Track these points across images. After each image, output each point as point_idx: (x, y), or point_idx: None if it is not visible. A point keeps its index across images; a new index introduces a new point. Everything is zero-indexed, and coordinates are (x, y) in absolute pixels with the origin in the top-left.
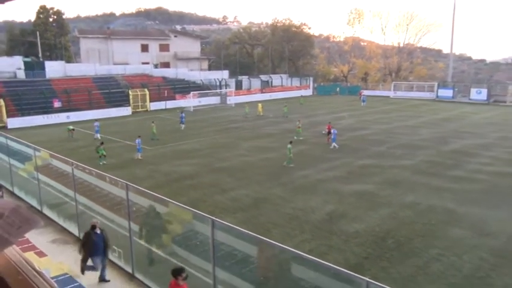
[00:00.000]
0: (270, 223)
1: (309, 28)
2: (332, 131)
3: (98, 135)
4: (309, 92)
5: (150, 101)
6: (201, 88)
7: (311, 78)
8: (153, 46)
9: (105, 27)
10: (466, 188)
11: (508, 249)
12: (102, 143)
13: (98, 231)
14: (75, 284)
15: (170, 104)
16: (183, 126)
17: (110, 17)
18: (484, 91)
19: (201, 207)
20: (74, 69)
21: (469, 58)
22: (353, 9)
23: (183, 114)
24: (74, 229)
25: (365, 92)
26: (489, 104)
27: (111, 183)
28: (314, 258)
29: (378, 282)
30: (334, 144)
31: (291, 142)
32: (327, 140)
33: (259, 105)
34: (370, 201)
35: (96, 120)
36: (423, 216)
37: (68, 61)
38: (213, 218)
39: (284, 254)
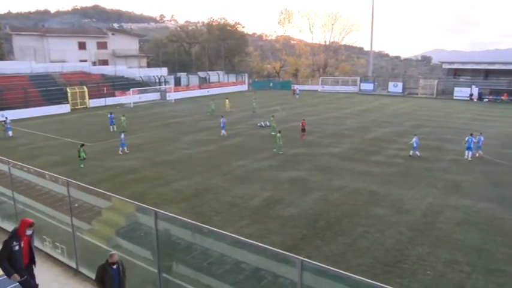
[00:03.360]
0: (212, 211)
1: (243, 27)
2: (221, 120)
3: (10, 133)
4: (244, 87)
5: (90, 98)
6: (141, 85)
7: (246, 75)
8: (91, 44)
9: (39, 24)
10: (385, 171)
11: (421, 224)
12: (82, 145)
13: (115, 267)
14: (15, 284)
15: (110, 101)
16: (111, 128)
17: (44, 15)
18: (400, 85)
19: (145, 199)
20: (7, 67)
21: (387, 55)
22: (283, 10)
23: (112, 115)
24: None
25: (297, 87)
26: (404, 96)
27: (52, 180)
28: (253, 241)
29: (311, 260)
30: (223, 131)
31: (279, 132)
32: (300, 137)
33: (227, 101)
34: (303, 187)
35: (6, 118)
36: (350, 198)
37: (0, 59)
38: (156, 209)
39: (225, 239)
